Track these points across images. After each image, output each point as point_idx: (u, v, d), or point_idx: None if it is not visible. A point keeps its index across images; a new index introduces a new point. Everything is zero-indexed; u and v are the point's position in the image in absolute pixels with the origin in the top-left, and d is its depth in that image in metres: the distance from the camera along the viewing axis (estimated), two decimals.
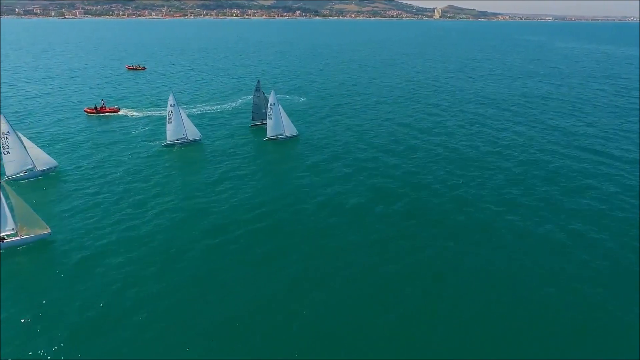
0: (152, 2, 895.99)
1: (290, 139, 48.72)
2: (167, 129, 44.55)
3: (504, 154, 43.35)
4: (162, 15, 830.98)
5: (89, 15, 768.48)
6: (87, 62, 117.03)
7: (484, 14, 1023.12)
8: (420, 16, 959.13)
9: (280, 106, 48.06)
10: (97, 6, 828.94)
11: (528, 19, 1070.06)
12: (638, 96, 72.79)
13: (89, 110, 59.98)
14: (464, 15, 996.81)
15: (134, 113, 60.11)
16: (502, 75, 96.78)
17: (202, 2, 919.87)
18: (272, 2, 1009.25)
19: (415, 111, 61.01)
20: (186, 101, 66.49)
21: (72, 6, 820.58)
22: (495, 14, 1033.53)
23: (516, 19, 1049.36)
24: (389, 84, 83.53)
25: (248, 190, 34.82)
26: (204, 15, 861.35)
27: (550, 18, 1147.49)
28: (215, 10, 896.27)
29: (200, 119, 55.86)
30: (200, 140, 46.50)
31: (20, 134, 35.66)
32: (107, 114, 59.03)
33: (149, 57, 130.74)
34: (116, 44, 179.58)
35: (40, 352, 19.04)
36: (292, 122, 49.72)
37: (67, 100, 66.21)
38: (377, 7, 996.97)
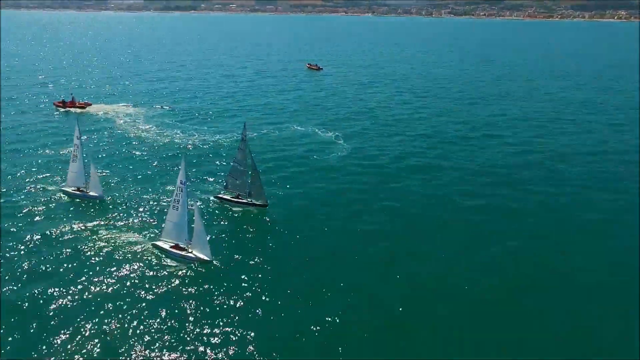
0: (520, 2, 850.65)
1: (199, 265, 28.45)
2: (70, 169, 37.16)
3: None
4: (523, 17, 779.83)
5: (452, 15, 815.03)
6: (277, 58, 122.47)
7: None
8: None
9: (184, 194, 28.43)
10: (463, 7, 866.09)
11: None
12: None
13: (57, 103, 65.80)
14: None
15: (106, 110, 64.94)
16: None
17: (579, 2, 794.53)
18: None
19: None
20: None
21: (444, 6, 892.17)
22: None
23: None
24: None
25: None
26: (575, 17, 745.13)
27: None
28: (592, 12, 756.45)
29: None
30: (102, 197, 36.42)
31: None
32: (75, 109, 64.31)
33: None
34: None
35: None
36: None
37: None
38: None
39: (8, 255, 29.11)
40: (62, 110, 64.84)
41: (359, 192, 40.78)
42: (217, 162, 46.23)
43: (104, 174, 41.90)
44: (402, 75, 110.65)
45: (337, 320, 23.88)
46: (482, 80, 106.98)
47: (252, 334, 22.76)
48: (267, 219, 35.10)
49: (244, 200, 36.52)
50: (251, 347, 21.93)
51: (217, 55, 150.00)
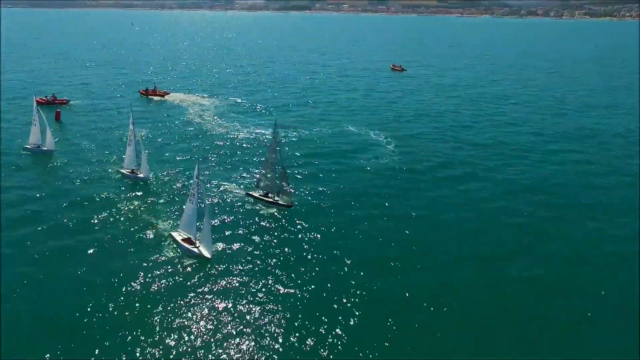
0: None
1: (200, 260, 28.40)
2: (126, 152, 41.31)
3: None
4: None
5: (587, 17, 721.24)
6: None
7: None
8: None
9: (197, 189, 29.30)
10: (604, 7, 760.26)
11: None
12: None
13: (142, 91, 74.95)
14: None
15: (182, 99, 72.91)
16: None
17: None
18: None
19: None
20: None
21: (579, 7, 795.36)
22: None
23: None
24: None
25: None
26: None
27: None
28: None
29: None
30: (147, 180, 39.47)
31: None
32: (155, 97, 73.08)
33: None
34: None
35: None
36: None
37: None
38: None
39: (43, 211, 33.86)
40: (146, 97, 73.29)
41: (388, 197, 38.60)
42: (260, 157, 46.52)
43: (157, 158, 45.46)
44: (491, 81, 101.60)
45: (336, 328, 23.09)
46: (590, 89, 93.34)
47: (237, 334, 22.53)
48: (287, 219, 34.22)
49: (270, 199, 36.26)
50: (243, 347, 21.81)
51: (308, 53, 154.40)
